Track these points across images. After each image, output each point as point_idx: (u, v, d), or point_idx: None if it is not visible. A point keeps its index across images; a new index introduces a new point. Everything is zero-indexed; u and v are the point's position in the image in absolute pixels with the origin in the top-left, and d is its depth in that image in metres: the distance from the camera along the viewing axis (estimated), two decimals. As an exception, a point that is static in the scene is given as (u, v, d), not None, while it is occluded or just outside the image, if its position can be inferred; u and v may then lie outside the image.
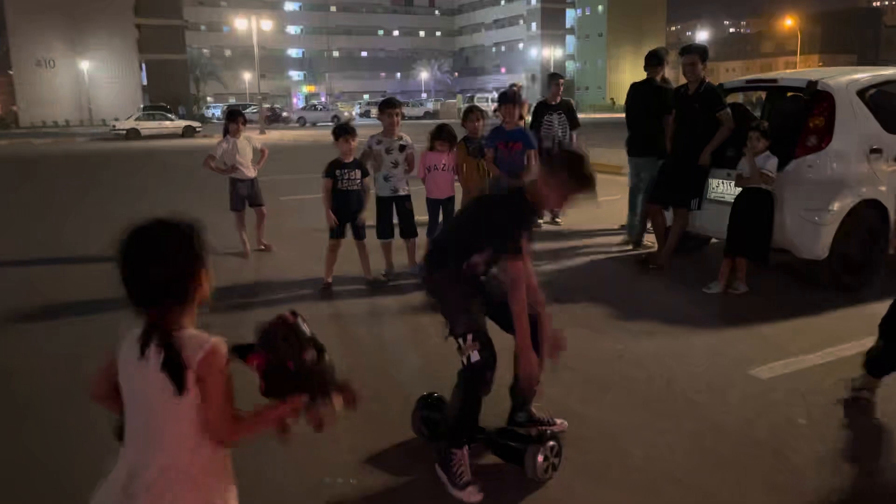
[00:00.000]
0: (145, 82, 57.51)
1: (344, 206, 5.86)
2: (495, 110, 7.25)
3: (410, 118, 48.54)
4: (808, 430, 3.39)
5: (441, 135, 6.32)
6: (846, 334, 4.62)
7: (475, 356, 2.81)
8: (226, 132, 7.37)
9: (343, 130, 5.85)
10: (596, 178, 2.89)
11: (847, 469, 3.05)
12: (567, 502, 2.85)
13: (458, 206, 6.49)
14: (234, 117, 7.40)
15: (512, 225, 2.85)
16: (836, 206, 5.40)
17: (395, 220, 6.31)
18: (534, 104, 8.71)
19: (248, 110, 46.31)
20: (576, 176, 2.82)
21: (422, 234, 6.44)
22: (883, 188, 5.54)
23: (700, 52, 6.22)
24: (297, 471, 3.10)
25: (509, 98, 6.21)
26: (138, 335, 1.66)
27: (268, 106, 49.57)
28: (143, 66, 57.02)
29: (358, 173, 5.86)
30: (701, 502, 2.83)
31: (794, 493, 2.87)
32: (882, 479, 2.99)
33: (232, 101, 65.00)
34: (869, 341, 4.43)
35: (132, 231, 1.66)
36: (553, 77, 8.82)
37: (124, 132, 33.72)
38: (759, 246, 5.43)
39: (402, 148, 6.19)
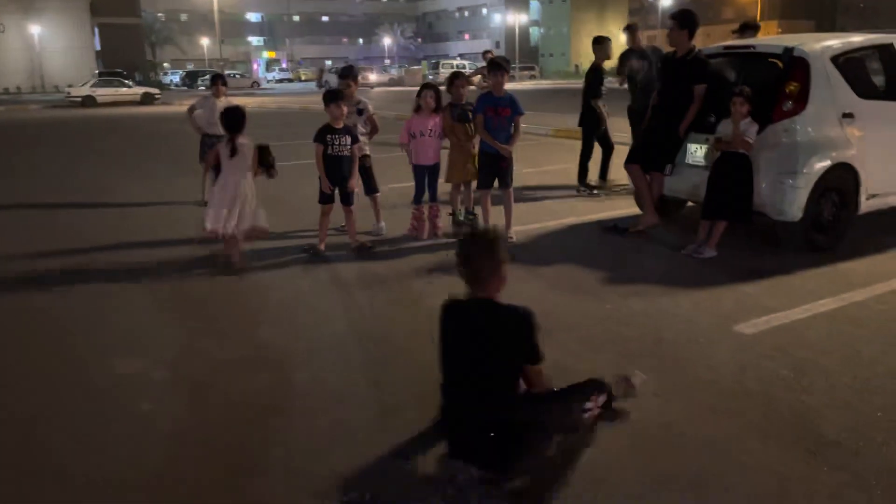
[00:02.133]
0: (99, 48, 55.52)
1: (335, 172, 5.90)
2: (467, 77, 7.28)
3: (377, 85, 48.06)
4: (794, 382, 3.59)
5: (423, 90, 6.44)
6: (823, 291, 4.85)
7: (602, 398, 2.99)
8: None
9: (333, 97, 5.86)
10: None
11: (833, 417, 3.24)
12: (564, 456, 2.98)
13: (442, 172, 6.57)
14: (218, 80, 8.21)
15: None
16: (810, 169, 5.59)
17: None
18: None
19: (206, 76, 45.27)
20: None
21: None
22: (854, 152, 5.76)
23: (678, 18, 6.31)
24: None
25: (498, 66, 6.25)
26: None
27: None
28: (97, 30, 54.99)
29: (348, 139, 5.89)
30: (698, 449, 3.00)
31: (786, 440, 3.05)
32: (864, 425, 3.19)
33: (190, 67, 63.30)
34: (846, 296, 4.70)
35: None
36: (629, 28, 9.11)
37: (80, 99, 32.68)
38: (742, 207, 5.62)
39: (360, 112, 6.39)
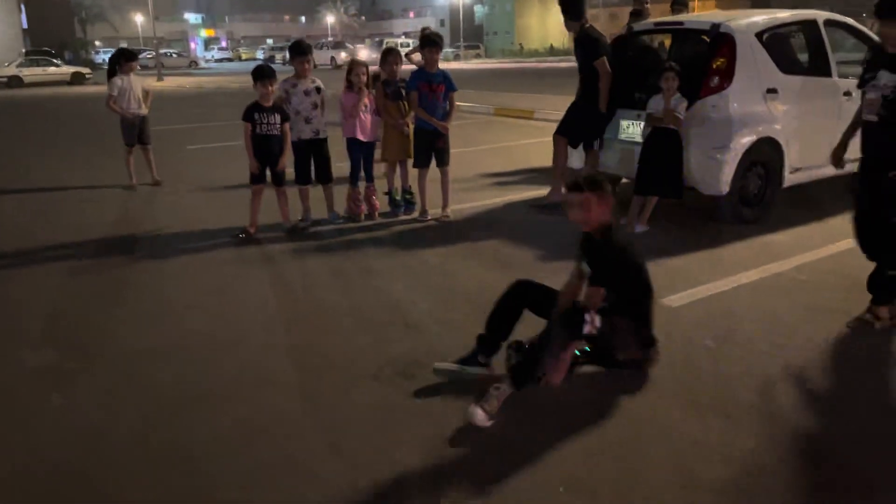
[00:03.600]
0: (26, 25, 52.91)
1: (265, 151, 5.75)
2: (407, 54, 7.16)
3: (318, 66, 47.19)
4: (716, 351, 3.68)
5: (353, 67, 6.24)
6: (748, 263, 4.98)
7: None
8: (112, 72, 7.84)
9: (262, 74, 5.68)
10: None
11: (751, 384, 3.33)
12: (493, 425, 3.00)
13: (376, 150, 6.48)
14: (131, 56, 8.09)
15: None
16: (736, 144, 5.71)
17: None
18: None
19: (142, 56, 43.73)
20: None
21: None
22: (778, 126, 5.90)
23: (559, 4, 6.44)
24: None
25: (432, 41, 6.16)
26: None
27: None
28: (23, 7, 52.36)
29: (277, 117, 5.73)
30: (620, 418, 3.05)
31: (704, 406, 3.12)
32: (779, 391, 3.29)
33: (124, 44, 60.83)
34: (769, 268, 4.83)
35: None
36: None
37: (5, 80, 31.24)
38: (673, 183, 5.71)
39: (318, 90, 6.11)
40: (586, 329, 3.08)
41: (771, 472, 2.66)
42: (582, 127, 6.53)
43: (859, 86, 4.07)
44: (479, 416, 2.96)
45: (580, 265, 3.46)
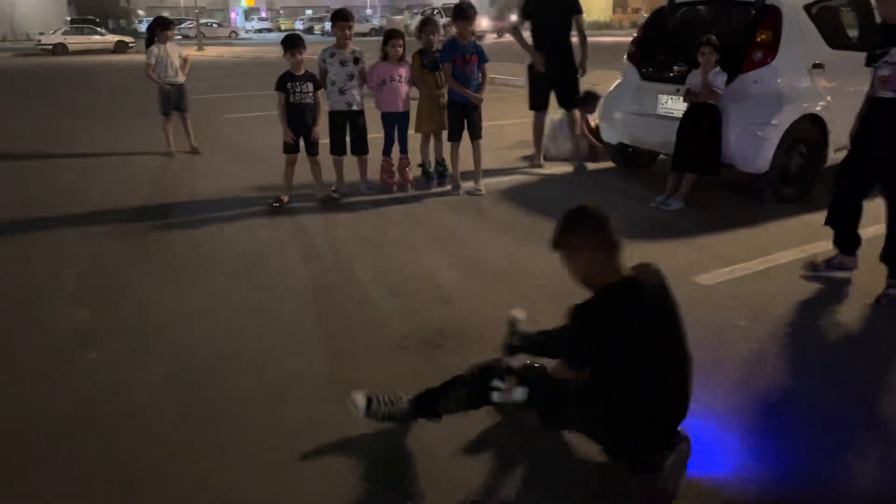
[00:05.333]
0: (70, -7, 53.73)
1: (299, 120, 5.77)
2: (446, 25, 7.13)
3: (356, 35, 46.89)
4: (747, 330, 3.62)
5: (390, 38, 6.20)
6: (785, 243, 4.86)
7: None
8: (151, 41, 7.96)
9: (291, 43, 5.69)
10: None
11: (779, 363, 3.28)
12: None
13: (412, 121, 6.45)
14: (166, 24, 8.10)
15: None
16: (778, 120, 5.56)
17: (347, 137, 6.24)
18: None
19: (182, 25, 44.12)
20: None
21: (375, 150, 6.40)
22: (823, 103, 5.72)
23: None
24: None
25: (464, 13, 6.09)
26: None
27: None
28: (67, -25, 53.11)
29: (310, 86, 5.74)
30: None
31: (729, 386, 3.09)
32: (808, 372, 3.23)
33: (165, 14, 61.30)
34: (807, 248, 4.72)
35: None
36: None
37: (51, 47, 31.81)
38: (710, 159, 5.59)
39: (357, 60, 6.08)
40: (497, 397, 2.44)
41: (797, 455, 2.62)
42: (564, 90, 7.11)
43: (868, 63, 3.99)
44: (360, 406, 2.62)
45: None
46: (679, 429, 2.42)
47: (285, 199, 5.92)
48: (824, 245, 4.80)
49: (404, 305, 3.95)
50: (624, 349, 2.27)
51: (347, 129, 6.15)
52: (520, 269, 4.48)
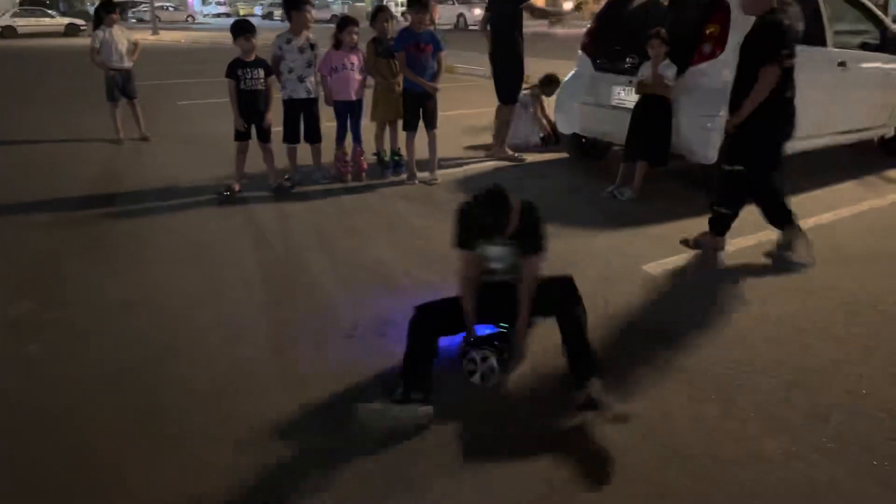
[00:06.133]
0: (19, -26, 51.86)
1: (250, 107, 5.68)
2: (403, 13, 7.08)
3: (317, 21, 46.28)
4: (688, 318, 3.70)
5: (346, 24, 6.10)
6: (732, 233, 4.95)
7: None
8: (97, 25, 7.69)
9: (241, 29, 5.58)
10: None
11: (718, 353, 3.35)
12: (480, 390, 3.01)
13: (366, 109, 6.40)
14: (111, 7, 7.80)
15: None
16: (726, 112, 5.62)
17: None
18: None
19: (137, 9, 43.00)
20: None
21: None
22: (770, 96, 5.83)
23: None
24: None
25: (419, 2, 6.04)
26: None
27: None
28: (16, -46, 51.23)
29: (261, 72, 5.65)
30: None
31: (670, 372, 3.15)
32: (748, 359, 3.31)
33: (119, -3, 59.66)
34: (753, 238, 4.83)
35: None
36: None
37: (-1, 30, 30.71)
38: (659, 150, 5.68)
39: (313, 47, 6.00)
40: (478, 379, 2.99)
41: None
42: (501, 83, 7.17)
43: None
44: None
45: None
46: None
47: (236, 187, 5.83)
48: (768, 235, 4.95)
49: (353, 295, 3.94)
50: None
51: (301, 117, 6.07)
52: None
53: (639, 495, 2.35)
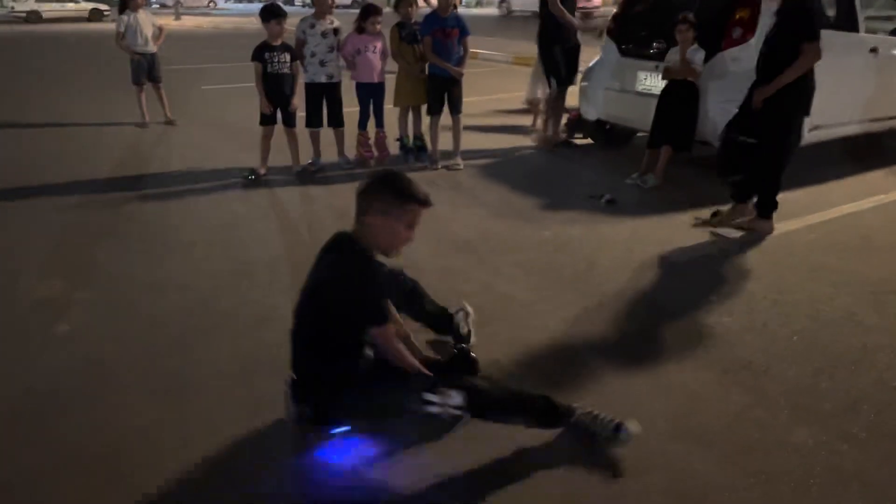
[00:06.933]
0: (43, -41, 52.23)
1: (276, 91, 5.70)
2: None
3: (338, 7, 46.18)
4: (717, 305, 3.67)
5: (370, 13, 6.07)
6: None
7: (456, 399, 2.31)
8: (122, 10, 7.71)
9: (271, 13, 5.58)
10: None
11: (750, 340, 3.33)
12: (483, 369, 3.00)
13: (388, 94, 6.39)
14: None
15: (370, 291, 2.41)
16: (755, 98, 5.56)
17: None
18: None
19: (161, -7, 43.13)
20: (407, 195, 2.45)
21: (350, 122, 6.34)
22: (799, 82, 5.73)
23: None
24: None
25: (444, -14, 6.00)
26: None
27: None
28: (40, -60, 51.58)
29: (287, 56, 5.66)
30: (617, 369, 3.06)
31: (701, 361, 3.13)
32: (777, 348, 3.28)
33: (143, -17, 59.86)
34: (780, 226, 4.79)
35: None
36: None
37: (24, 15, 30.96)
38: (684, 135, 5.62)
39: (336, 31, 5.99)
40: (436, 410, 2.30)
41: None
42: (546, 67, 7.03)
43: None
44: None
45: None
46: None
47: (261, 171, 5.86)
48: (796, 223, 4.90)
49: (378, 279, 3.95)
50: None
51: (324, 101, 6.08)
52: (493, 244, 4.49)
53: (662, 483, 2.35)
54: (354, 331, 2.42)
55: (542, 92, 7.52)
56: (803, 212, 5.12)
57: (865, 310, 3.62)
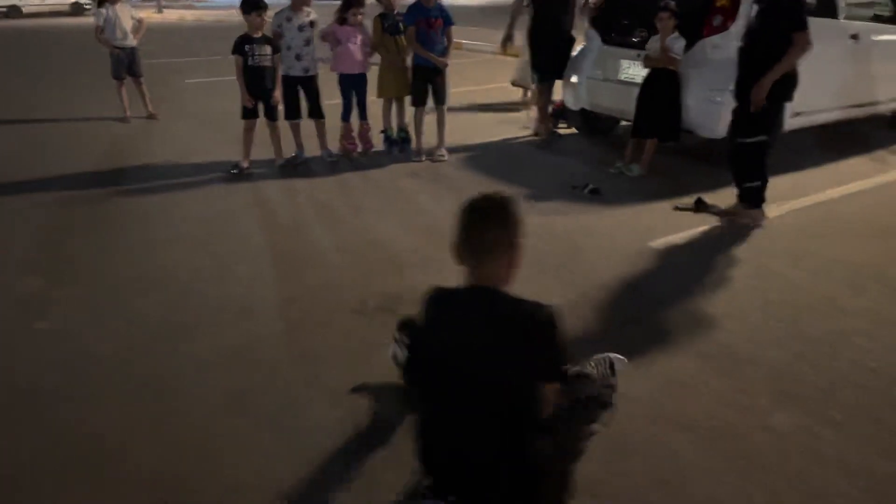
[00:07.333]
0: (23, -48, 51.51)
1: (257, 84, 5.66)
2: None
3: (322, -1, 45.86)
4: (698, 291, 3.70)
5: (352, 4, 6.01)
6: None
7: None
8: (102, 1, 7.63)
9: (252, 4, 5.53)
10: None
11: (730, 326, 3.36)
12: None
13: (371, 85, 6.36)
14: None
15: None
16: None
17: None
18: None
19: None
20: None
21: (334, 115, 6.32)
22: (781, 69, 5.77)
23: None
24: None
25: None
26: None
27: None
28: (19, -67, 50.84)
29: (268, 49, 5.62)
30: (606, 347, 3.07)
31: (680, 345, 3.15)
32: (758, 334, 3.32)
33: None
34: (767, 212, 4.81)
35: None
36: None
37: (4, 10, 30.53)
38: (669, 126, 5.63)
39: (313, 24, 5.95)
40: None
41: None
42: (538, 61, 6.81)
43: None
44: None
45: None
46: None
47: (244, 165, 5.83)
48: (776, 209, 4.94)
49: (361, 271, 3.95)
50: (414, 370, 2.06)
51: (301, 94, 6.05)
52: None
53: (643, 467, 2.37)
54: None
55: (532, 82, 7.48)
56: (784, 198, 5.15)
57: (844, 295, 3.67)
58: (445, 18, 6.08)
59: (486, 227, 1.87)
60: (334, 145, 6.38)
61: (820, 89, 6.06)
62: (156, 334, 3.26)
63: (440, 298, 1.95)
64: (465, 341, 1.81)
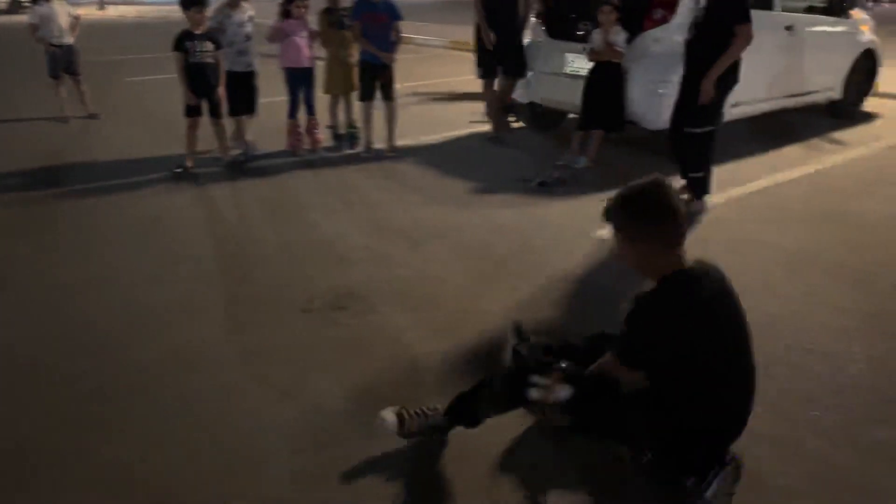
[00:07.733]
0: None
1: (200, 81, 5.56)
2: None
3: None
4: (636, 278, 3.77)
5: None
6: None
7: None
8: (36, 1, 7.49)
9: (193, 1, 5.42)
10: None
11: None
12: (420, 355, 3.04)
13: (319, 80, 6.31)
14: None
15: None
16: (678, 77, 5.71)
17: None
18: None
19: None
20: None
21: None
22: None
23: None
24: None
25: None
26: None
27: None
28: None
29: (210, 45, 5.53)
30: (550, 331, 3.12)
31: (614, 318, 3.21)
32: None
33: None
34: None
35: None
36: None
37: (-65, 7, 29.39)
38: (614, 117, 5.73)
39: (251, 19, 5.90)
40: (536, 394, 2.14)
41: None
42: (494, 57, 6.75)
43: None
44: (391, 424, 2.35)
45: None
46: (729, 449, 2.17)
47: (189, 164, 5.73)
48: (716, 198, 5.07)
49: (308, 269, 3.93)
50: (680, 351, 2.00)
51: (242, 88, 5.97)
52: (427, 229, 4.51)
53: (576, 459, 2.42)
54: None
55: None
56: (724, 186, 5.29)
57: (780, 279, 3.80)
58: (391, 13, 6.06)
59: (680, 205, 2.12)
60: (280, 143, 6.30)
61: (758, 80, 6.24)
62: (99, 338, 3.18)
63: (696, 279, 2.12)
64: (737, 304, 2.15)
